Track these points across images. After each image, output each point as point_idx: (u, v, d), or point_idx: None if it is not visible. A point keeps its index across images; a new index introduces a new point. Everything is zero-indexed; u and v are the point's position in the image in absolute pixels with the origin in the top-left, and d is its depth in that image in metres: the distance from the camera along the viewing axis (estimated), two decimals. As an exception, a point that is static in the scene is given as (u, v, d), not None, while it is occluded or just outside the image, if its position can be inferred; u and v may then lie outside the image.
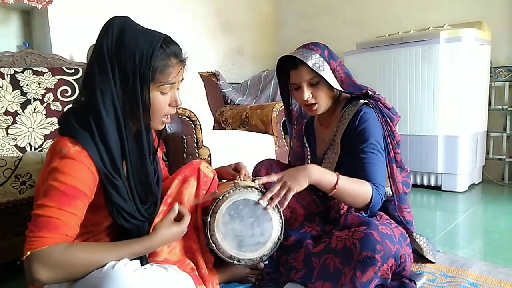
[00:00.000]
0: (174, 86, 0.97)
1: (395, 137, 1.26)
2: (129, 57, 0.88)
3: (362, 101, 1.27)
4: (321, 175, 1.15)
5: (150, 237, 0.95)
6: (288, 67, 1.29)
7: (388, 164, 1.25)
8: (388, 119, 1.25)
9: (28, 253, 0.78)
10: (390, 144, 1.25)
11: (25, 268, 0.79)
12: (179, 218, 1.02)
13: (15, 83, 1.73)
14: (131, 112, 0.91)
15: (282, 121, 2.47)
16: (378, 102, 1.25)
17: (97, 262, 0.83)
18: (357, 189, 1.16)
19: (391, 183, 1.26)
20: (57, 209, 0.81)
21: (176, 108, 1.01)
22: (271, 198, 1.12)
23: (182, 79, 1.00)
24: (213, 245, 1.10)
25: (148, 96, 0.91)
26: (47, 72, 1.84)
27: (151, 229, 1.02)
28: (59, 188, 0.82)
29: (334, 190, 1.14)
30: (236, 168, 1.28)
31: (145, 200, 1.00)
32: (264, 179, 1.16)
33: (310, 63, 1.21)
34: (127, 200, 0.93)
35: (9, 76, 1.73)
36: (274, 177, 1.16)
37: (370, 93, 1.25)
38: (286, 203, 1.12)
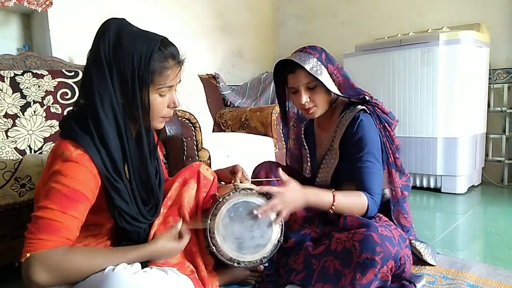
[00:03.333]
0: (172, 88, 0.97)
1: (394, 141, 1.26)
2: (128, 60, 0.88)
3: (359, 107, 1.27)
4: (318, 199, 1.17)
5: (150, 246, 0.95)
6: (285, 71, 1.29)
7: (387, 168, 1.26)
8: (386, 124, 1.25)
9: (28, 255, 0.77)
10: (389, 149, 1.25)
11: (23, 271, 0.78)
12: (179, 236, 1.03)
13: (15, 86, 1.73)
14: (131, 115, 0.92)
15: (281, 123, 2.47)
16: (376, 108, 1.26)
17: (96, 267, 0.83)
18: (353, 203, 1.19)
19: (390, 188, 1.27)
20: (59, 211, 0.81)
21: (175, 110, 1.02)
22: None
23: (180, 81, 1.00)
24: (213, 247, 1.10)
25: (147, 99, 0.91)
26: (47, 74, 1.84)
27: (151, 236, 1.02)
28: (61, 190, 0.82)
29: (332, 209, 1.17)
30: (234, 171, 1.28)
31: (147, 202, 1.00)
32: (265, 189, 1.12)
33: (307, 67, 1.21)
34: (129, 203, 0.93)
35: (9, 78, 1.73)
36: (275, 189, 1.12)
37: (367, 98, 1.25)
38: (279, 219, 1.12)
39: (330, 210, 1.17)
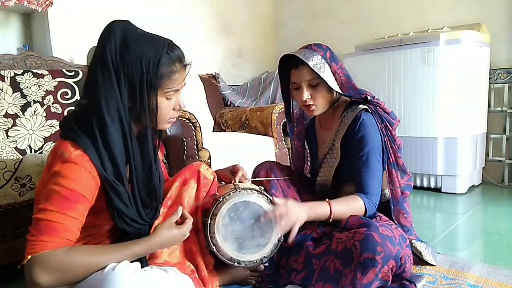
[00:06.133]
0: (178, 91, 0.98)
1: (395, 141, 1.26)
2: (136, 64, 0.88)
3: (361, 106, 1.27)
4: (316, 213, 1.17)
5: (150, 238, 0.95)
6: (289, 66, 1.29)
7: (387, 168, 1.25)
8: (387, 123, 1.25)
9: (29, 257, 0.78)
10: (390, 148, 1.25)
11: (25, 273, 0.79)
12: (181, 221, 1.02)
13: (15, 86, 1.73)
14: (138, 118, 0.92)
15: (282, 123, 2.47)
16: (377, 107, 1.26)
17: (97, 265, 0.83)
18: (350, 210, 1.20)
19: (389, 187, 1.27)
20: (58, 213, 0.81)
21: (180, 112, 1.02)
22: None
23: (185, 84, 1.00)
24: (213, 247, 1.10)
25: (155, 102, 0.91)
26: (47, 74, 1.84)
27: (152, 230, 1.02)
28: (61, 192, 0.82)
29: (330, 219, 1.18)
30: (234, 170, 1.28)
31: (149, 204, 1.00)
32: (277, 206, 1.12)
33: (311, 64, 1.21)
34: (129, 205, 0.93)
35: (9, 78, 1.73)
36: (282, 209, 1.11)
37: (369, 98, 1.25)
38: (291, 239, 1.12)
39: (329, 221, 1.18)
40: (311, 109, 1.28)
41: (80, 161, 0.84)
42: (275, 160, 1.79)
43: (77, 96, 1.87)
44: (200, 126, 1.85)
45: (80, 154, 0.84)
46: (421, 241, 1.35)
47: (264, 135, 2.46)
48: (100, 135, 0.87)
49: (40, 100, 1.77)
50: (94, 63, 0.90)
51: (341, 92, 1.26)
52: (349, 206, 1.20)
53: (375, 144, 1.23)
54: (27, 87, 1.76)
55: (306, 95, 1.25)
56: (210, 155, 1.91)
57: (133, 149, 0.92)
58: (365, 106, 1.26)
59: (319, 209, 1.17)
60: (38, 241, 0.79)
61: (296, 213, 1.12)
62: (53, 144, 1.71)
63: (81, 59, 2.23)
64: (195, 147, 1.85)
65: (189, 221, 1.02)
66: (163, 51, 0.90)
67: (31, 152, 1.68)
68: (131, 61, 0.88)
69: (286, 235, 1.23)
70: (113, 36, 0.88)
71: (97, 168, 0.86)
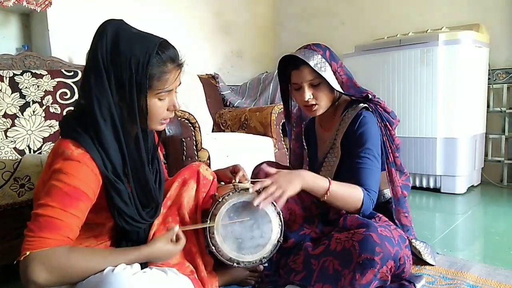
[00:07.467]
0: (172, 91, 0.96)
1: (394, 141, 1.26)
2: (125, 65, 0.86)
3: (362, 104, 1.27)
4: (314, 180, 1.15)
5: (147, 248, 0.95)
6: (289, 67, 1.29)
7: (387, 168, 1.25)
8: (387, 123, 1.25)
9: (27, 253, 0.77)
10: (389, 148, 1.25)
11: (21, 269, 0.77)
12: (176, 239, 1.02)
13: (14, 86, 1.73)
14: (129, 118, 0.91)
15: (281, 123, 2.47)
16: (378, 106, 1.25)
17: (95, 268, 0.83)
18: (348, 195, 1.16)
19: (390, 187, 1.27)
20: (60, 209, 0.80)
21: (175, 112, 1.01)
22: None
23: (180, 83, 0.98)
24: (213, 247, 1.10)
25: (145, 104, 0.90)
26: (46, 74, 1.84)
27: (150, 236, 1.02)
28: (63, 188, 0.81)
29: (326, 195, 1.14)
30: (234, 170, 1.27)
31: (146, 205, 1.00)
32: (258, 186, 1.11)
33: (312, 63, 1.21)
34: (129, 204, 0.93)
35: (8, 78, 1.73)
36: (268, 181, 1.12)
37: (370, 96, 1.25)
38: (280, 204, 1.10)
39: (324, 197, 1.14)
40: (313, 109, 1.28)
41: (82, 159, 0.84)
42: (274, 161, 1.79)
43: (76, 96, 1.87)
44: (199, 126, 1.85)
45: (81, 152, 0.84)
46: (420, 241, 1.36)
47: (263, 135, 2.46)
48: (95, 135, 0.86)
49: (39, 100, 1.77)
50: (87, 65, 0.90)
51: (342, 91, 1.26)
52: (348, 191, 1.16)
53: (374, 142, 1.22)
54: (26, 87, 1.76)
55: (308, 95, 1.25)
56: (209, 155, 1.91)
57: (128, 150, 0.91)
58: (366, 105, 1.26)
59: (318, 180, 1.14)
60: (38, 237, 0.78)
61: (287, 178, 1.10)
62: (52, 144, 1.71)
63: (80, 59, 2.23)
64: (194, 147, 1.84)
65: (183, 241, 1.02)
66: (153, 52, 0.88)
67: (30, 152, 1.68)
68: (120, 61, 0.87)
69: (286, 235, 1.24)
70: (105, 37, 0.88)
71: (98, 166, 0.86)
